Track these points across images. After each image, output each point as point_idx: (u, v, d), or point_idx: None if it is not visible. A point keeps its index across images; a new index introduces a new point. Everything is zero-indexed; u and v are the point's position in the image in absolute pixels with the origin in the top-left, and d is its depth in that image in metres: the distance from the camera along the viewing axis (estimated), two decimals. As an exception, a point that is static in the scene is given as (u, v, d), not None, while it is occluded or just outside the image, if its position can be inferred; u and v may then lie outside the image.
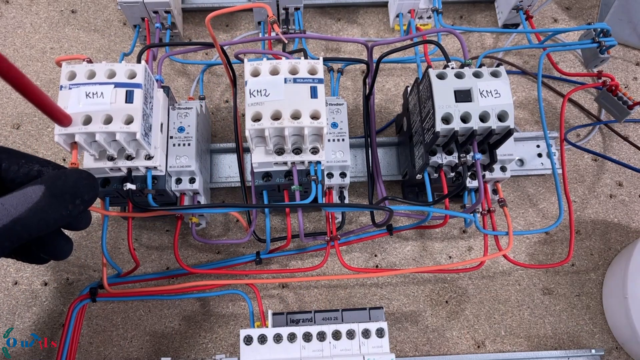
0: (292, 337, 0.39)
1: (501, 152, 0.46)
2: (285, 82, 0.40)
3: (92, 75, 0.39)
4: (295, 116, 0.39)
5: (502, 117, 0.41)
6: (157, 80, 0.46)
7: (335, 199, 0.50)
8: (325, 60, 0.45)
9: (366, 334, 0.40)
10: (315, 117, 0.40)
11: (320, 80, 0.41)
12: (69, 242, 0.34)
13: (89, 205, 0.30)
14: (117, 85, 0.38)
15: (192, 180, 0.47)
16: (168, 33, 0.57)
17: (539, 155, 0.57)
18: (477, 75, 0.42)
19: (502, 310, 0.54)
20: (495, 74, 0.42)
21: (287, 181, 0.44)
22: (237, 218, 0.49)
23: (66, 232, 0.36)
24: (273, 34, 0.58)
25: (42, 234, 0.28)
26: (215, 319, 0.52)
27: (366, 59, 0.51)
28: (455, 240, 0.56)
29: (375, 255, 0.55)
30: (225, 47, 0.45)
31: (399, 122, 0.55)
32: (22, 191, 0.27)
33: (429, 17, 0.62)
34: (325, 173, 0.48)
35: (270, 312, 0.41)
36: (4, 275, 0.53)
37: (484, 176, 0.48)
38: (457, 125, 0.41)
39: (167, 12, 0.56)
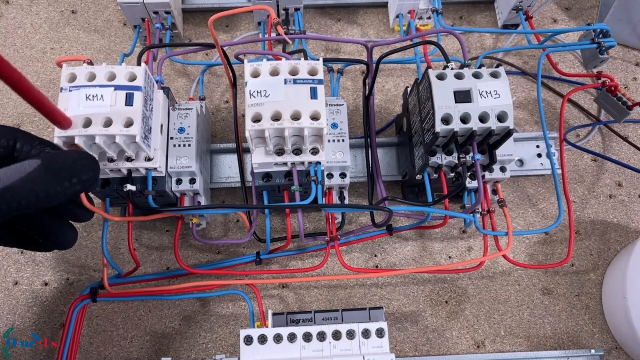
0: (292, 337, 0.39)
1: (501, 152, 0.46)
2: (285, 82, 0.40)
3: (92, 77, 0.39)
4: (295, 117, 0.39)
5: (501, 117, 0.41)
6: (157, 82, 0.46)
7: (335, 199, 0.50)
8: (325, 60, 0.45)
9: (366, 334, 0.40)
10: (315, 117, 0.40)
11: (320, 81, 0.41)
12: (74, 230, 0.34)
13: (86, 186, 0.30)
14: (117, 87, 0.38)
15: (192, 181, 0.47)
16: (168, 33, 0.57)
17: (539, 155, 0.57)
18: (476, 75, 0.42)
19: (502, 310, 0.54)
20: (494, 75, 0.42)
21: (287, 181, 0.44)
22: (239, 217, 0.49)
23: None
24: (273, 34, 0.58)
25: (33, 208, 0.27)
26: (215, 319, 0.52)
27: (366, 60, 0.51)
28: (455, 240, 0.56)
29: (375, 256, 0.55)
30: (225, 48, 0.45)
31: (398, 123, 0.55)
32: (19, 164, 0.28)
33: (429, 18, 0.62)
34: (325, 173, 0.48)
35: (270, 312, 0.41)
36: (4, 275, 0.53)
37: (483, 176, 0.48)
38: (456, 125, 0.41)
39: (167, 12, 0.57)
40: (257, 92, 0.40)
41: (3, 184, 0.26)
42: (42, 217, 0.33)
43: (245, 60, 0.42)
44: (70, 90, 0.38)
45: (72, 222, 0.36)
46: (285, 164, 0.43)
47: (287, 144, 0.41)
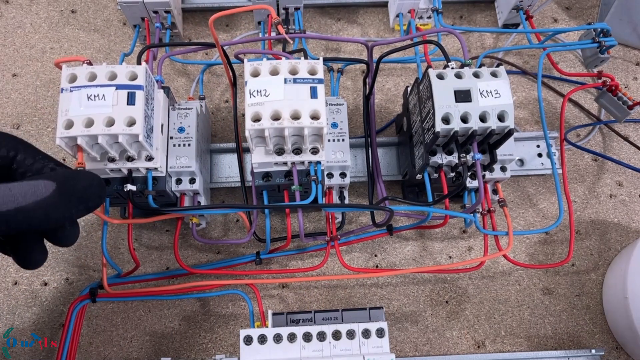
0: (292, 337, 0.39)
1: (501, 152, 0.46)
2: (285, 82, 0.40)
3: (93, 77, 0.39)
4: (295, 116, 0.39)
5: (502, 117, 0.41)
6: (157, 81, 0.46)
7: (335, 199, 0.50)
8: (325, 60, 0.45)
9: (366, 334, 0.40)
10: (315, 117, 0.40)
11: (320, 81, 0.40)
12: (45, 252, 0.32)
13: (90, 212, 0.30)
14: (119, 87, 0.38)
15: (192, 181, 0.47)
16: (168, 33, 0.57)
17: (539, 155, 0.57)
18: (477, 75, 0.42)
19: (502, 310, 0.54)
20: (495, 74, 0.42)
21: (287, 181, 0.44)
22: (239, 217, 0.49)
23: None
24: (273, 34, 0.58)
25: (39, 229, 0.28)
26: (215, 319, 0.52)
27: (366, 59, 0.51)
28: (455, 240, 0.56)
29: (375, 255, 0.55)
30: (225, 47, 0.45)
31: (399, 122, 0.55)
32: (33, 182, 0.27)
33: (429, 17, 0.62)
34: (325, 173, 0.48)
35: (270, 312, 0.41)
36: (4, 275, 0.53)
37: (484, 176, 0.48)
38: (457, 125, 0.41)
39: (167, 12, 0.56)
40: (257, 91, 0.40)
41: (18, 204, 0.26)
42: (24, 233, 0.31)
43: (245, 60, 0.41)
44: (71, 91, 0.38)
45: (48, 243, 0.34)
46: (285, 163, 0.43)
47: (287, 143, 0.41)
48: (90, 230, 0.54)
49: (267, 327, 0.40)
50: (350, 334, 0.40)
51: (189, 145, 0.46)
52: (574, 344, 0.53)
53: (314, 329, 0.40)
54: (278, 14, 0.60)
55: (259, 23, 0.62)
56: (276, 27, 0.41)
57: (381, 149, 0.56)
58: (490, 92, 0.41)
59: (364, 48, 0.63)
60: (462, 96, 0.41)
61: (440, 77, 0.42)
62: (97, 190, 0.30)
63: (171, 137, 0.46)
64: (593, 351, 0.51)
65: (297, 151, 0.43)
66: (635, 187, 0.59)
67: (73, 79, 0.39)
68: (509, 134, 0.42)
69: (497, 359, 0.51)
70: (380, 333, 0.40)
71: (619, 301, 0.50)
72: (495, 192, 0.51)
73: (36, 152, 0.31)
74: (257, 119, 0.39)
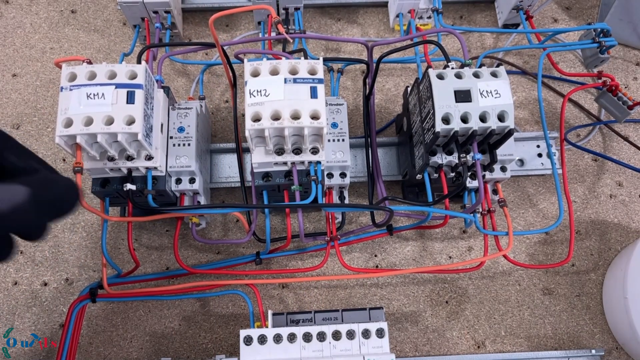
0: (292, 338, 0.39)
1: (501, 152, 0.46)
2: (285, 82, 0.40)
3: (92, 76, 0.39)
4: (295, 116, 0.39)
5: (502, 117, 0.41)
6: (157, 81, 0.46)
7: (335, 199, 0.50)
8: (325, 60, 0.45)
9: (366, 334, 0.40)
10: (315, 117, 0.40)
11: (320, 81, 0.40)
12: (12, 245, 0.32)
13: (64, 217, 0.30)
14: (118, 86, 0.38)
15: (192, 181, 0.47)
16: (168, 33, 0.57)
17: (539, 155, 0.57)
18: (477, 75, 0.42)
19: (502, 310, 0.54)
20: (495, 74, 0.42)
21: (287, 181, 0.44)
22: (238, 218, 0.49)
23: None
24: (273, 34, 0.58)
25: (10, 232, 0.28)
26: (215, 319, 0.52)
27: (366, 59, 0.51)
28: (455, 240, 0.56)
29: (375, 256, 0.55)
30: (225, 47, 0.45)
31: (399, 122, 0.55)
32: (10, 187, 0.27)
33: (429, 17, 0.62)
34: (325, 173, 0.48)
35: (270, 313, 0.41)
36: (4, 275, 0.53)
37: (484, 176, 0.48)
38: (457, 125, 0.41)
39: (167, 12, 0.56)
40: (257, 91, 0.40)
41: None
42: None
43: (245, 60, 0.41)
44: (70, 90, 0.38)
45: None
46: (285, 163, 0.43)
47: (287, 143, 0.41)
48: (90, 230, 0.54)
49: (267, 327, 0.40)
50: (350, 334, 0.40)
51: (189, 145, 0.46)
52: (574, 344, 0.53)
53: (314, 329, 0.40)
54: (278, 14, 0.60)
55: (259, 23, 0.62)
56: (276, 27, 0.41)
57: (381, 149, 0.56)
58: (490, 92, 0.41)
59: (364, 48, 0.63)
60: (462, 96, 0.41)
61: (440, 77, 0.42)
62: (71, 197, 0.30)
63: (171, 137, 0.46)
64: (593, 351, 0.51)
65: (297, 151, 0.43)
66: (635, 187, 0.59)
67: (73, 77, 0.39)
68: (509, 134, 0.42)
69: (497, 359, 0.51)
70: (380, 333, 0.40)
71: (619, 301, 0.50)
72: (495, 192, 0.51)
73: (23, 150, 0.31)
74: (257, 119, 0.39)
